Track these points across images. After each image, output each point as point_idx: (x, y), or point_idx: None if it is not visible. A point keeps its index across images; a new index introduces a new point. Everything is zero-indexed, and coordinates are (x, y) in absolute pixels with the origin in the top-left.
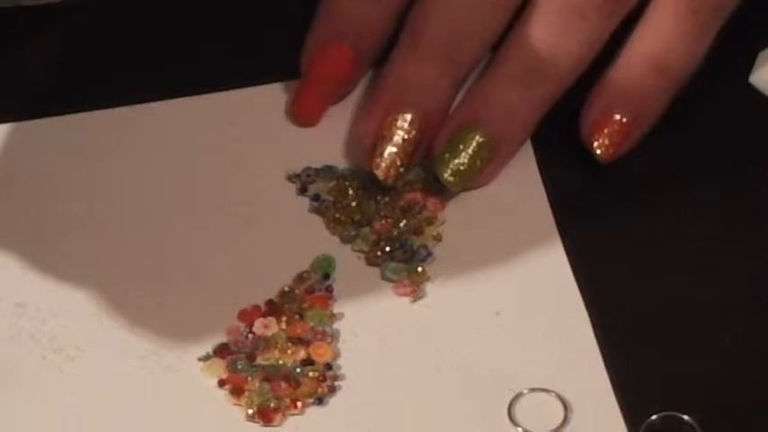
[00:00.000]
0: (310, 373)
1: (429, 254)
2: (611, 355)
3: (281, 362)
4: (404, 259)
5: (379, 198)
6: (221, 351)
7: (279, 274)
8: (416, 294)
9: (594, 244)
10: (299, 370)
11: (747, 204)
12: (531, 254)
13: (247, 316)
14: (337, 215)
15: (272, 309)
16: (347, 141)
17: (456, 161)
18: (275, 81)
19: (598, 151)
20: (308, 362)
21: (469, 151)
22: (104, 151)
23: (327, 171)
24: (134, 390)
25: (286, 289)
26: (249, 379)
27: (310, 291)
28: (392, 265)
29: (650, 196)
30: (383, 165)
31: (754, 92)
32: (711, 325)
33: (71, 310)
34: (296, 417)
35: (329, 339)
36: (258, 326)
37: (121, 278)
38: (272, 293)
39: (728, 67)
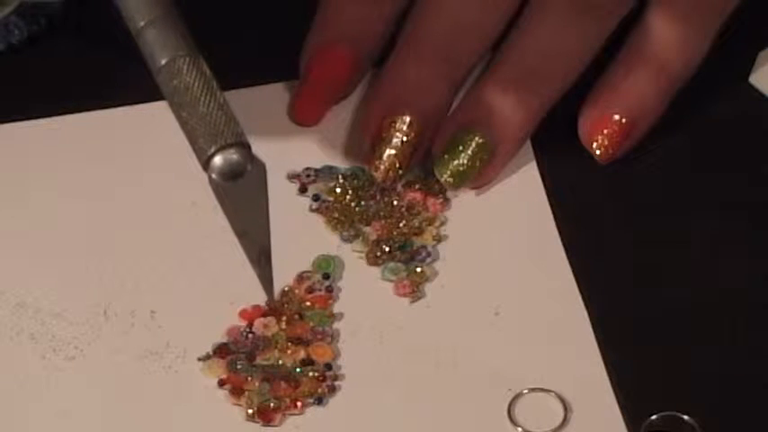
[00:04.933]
0: (310, 373)
1: (429, 254)
2: (611, 355)
3: (280, 362)
4: (403, 259)
5: (378, 198)
6: (221, 351)
7: (279, 274)
8: (416, 294)
9: (594, 244)
10: (298, 370)
11: (747, 204)
12: (531, 254)
13: (248, 316)
14: (337, 215)
15: (273, 308)
16: (347, 142)
17: (455, 162)
18: (275, 81)
19: (597, 152)
20: (307, 362)
21: (469, 152)
22: (105, 151)
23: (327, 171)
24: (134, 390)
25: (286, 289)
26: (249, 379)
27: (310, 291)
28: (392, 265)
29: (650, 196)
30: (382, 167)
31: (754, 92)
32: (711, 325)
33: (71, 311)
34: (296, 417)
35: (329, 339)
36: (258, 326)
37: (121, 278)
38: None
39: (728, 67)
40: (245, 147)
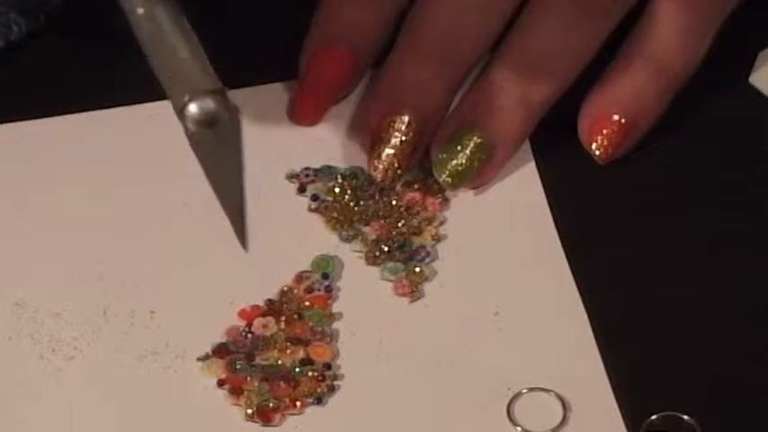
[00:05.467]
0: (309, 373)
1: (428, 254)
2: (611, 355)
3: (279, 362)
4: (402, 259)
5: (377, 198)
6: (220, 351)
7: (278, 274)
8: (415, 294)
9: (594, 244)
10: (298, 370)
11: (747, 204)
12: (531, 254)
13: (247, 316)
14: (336, 215)
15: (272, 308)
16: (346, 142)
17: (454, 162)
18: (275, 81)
19: (597, 152)
20: (307, 361)
21: (467, 152)
22: (104, 151)
23: (326, 171)
24: (133, 390)
25: (285, 289)
26: (248, 379)
27: (309, 290)
28: (391, 265)
29: (650, 196)
30: (381, 167)
31: (754, 92)
32: (711, 325)
33: (70, 311)
34: (295, 416)
35: (328, 339)
36: (257, 326)
37: (121, 278)
38: (272, 293)
39: (728, 67)
40: (220, 94)
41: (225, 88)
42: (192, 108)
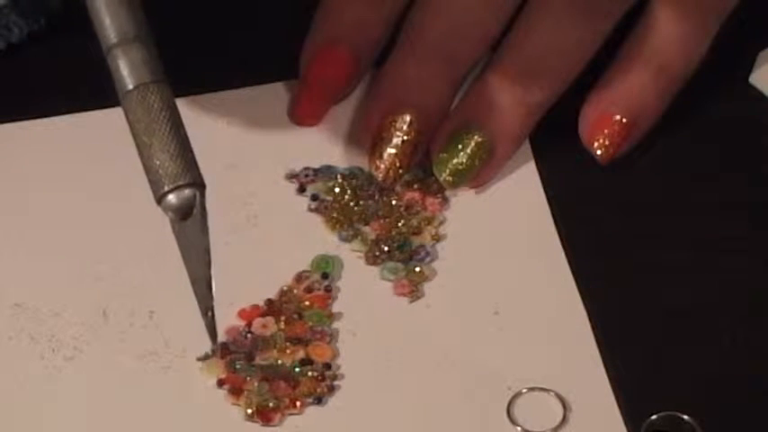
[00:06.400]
0: (309, 373)
1: (428, 254)
2: (611, 355)
3: (279, 362)
4: (402, 259)
5: (377, 198)
6: (220, 351)
7: (278, 274)
8: (415, 294)
9: (594, 244)
10: (297, 370)
11: (747, 204)
12: (530, 254)
13: (246, 315)
14: (336, 215)
15: (271, 308)
16: (346, 142)
17: (454, 161)
18: (275, 81)
19: (598, 152)
20: (306, 361)
21: (468, 151)
22: (104, 151)
23: (326, 171)
24: (132, 390)
25: (285, 288)
26: (248, 379)
27: (309, 290)
28: (390, 264)
29: (650, 196)
30: (382, 166)
31: (754, 92)
32: (711, 325)
33: (70, 311)
34: (295, 416)
35: (328, 339)
36: (257, 326)
37: (120, 278)
38: (272, 293)
39: (728, 67)
40: (199, 187)
41: (203, 183)
42: (172, 198)
